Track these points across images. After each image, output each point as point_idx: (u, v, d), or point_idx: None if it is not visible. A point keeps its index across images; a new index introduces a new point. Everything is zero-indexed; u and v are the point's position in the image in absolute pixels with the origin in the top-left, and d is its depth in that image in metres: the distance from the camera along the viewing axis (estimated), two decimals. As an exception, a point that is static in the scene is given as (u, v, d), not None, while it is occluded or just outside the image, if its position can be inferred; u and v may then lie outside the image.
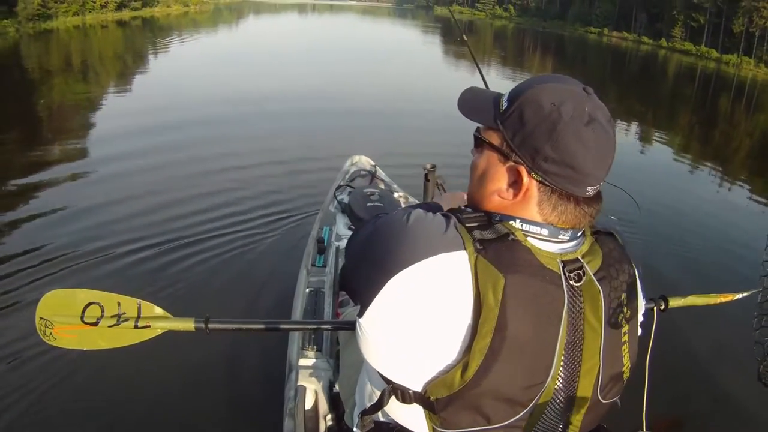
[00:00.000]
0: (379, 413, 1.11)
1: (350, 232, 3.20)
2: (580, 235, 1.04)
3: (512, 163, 1.01)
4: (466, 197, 1.38)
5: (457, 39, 3.48)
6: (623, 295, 1.03)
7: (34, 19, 31.06)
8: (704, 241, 6.03)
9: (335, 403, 1.86)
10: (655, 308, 1.59)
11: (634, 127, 13.30)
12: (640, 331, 1.14)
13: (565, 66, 28.77)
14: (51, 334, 1.47)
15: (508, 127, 1.02)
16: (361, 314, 1.02)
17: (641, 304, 1.13)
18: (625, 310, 1.03)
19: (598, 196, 1.04)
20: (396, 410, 1.07)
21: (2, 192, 6.02)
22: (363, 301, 1.02)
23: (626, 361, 1.05)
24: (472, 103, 1.12)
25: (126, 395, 3.01)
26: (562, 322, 0.96)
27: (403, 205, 3.47)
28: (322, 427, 2.09)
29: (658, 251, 5.42)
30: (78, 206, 5.48)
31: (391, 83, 14.77)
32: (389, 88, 14.12)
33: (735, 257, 5.56)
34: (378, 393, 1.10)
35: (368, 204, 3.32)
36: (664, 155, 10.84)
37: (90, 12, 39.59)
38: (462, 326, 0.93)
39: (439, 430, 1.00)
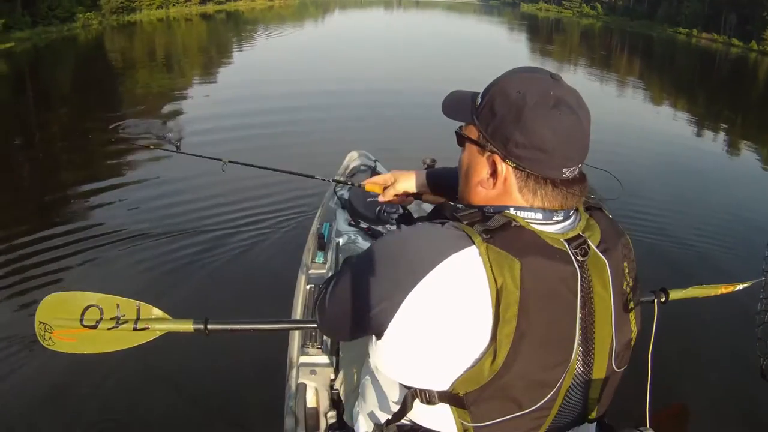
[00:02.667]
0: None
1: (350, 228, 3.25)
2: (573, 214, 1.07)
3: (489, 153, 1.05)
4: (415, 177, 1.58)
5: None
6: (624, 264, 1.07)
7: (118, 12, 32.35)
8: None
9: (336, 400, 1.84)
10: (656, 301, 1.58)
11: (714, 133, 12.80)
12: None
13: (652, 68, 27.65)
14: (50, 338, 1.49)
15: (482, 120, 1.06)
16: (379, 336, 1.04)
17: None
18: (628, 278, 1.07)
19: (580, 178, 1.06)
20: (419, 413, 1.07)
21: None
22: (377, 323, 1.02)
23: (634, 328, 1.09)
24: (452, 104, 1.16)
25: (125, 396, 3.05)
26: (578, 298, 0.99)
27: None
28: (323, 424, 2.09)
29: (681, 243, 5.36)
30: (74, 206, 5.66)
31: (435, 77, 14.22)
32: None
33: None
34: (393, 398, 1.12)
35: (368, 199, 3.30)
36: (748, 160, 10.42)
37: (174, 5, 40.94)
38: (485, 318, 0.94)
39: (469, 425, 1.00)
